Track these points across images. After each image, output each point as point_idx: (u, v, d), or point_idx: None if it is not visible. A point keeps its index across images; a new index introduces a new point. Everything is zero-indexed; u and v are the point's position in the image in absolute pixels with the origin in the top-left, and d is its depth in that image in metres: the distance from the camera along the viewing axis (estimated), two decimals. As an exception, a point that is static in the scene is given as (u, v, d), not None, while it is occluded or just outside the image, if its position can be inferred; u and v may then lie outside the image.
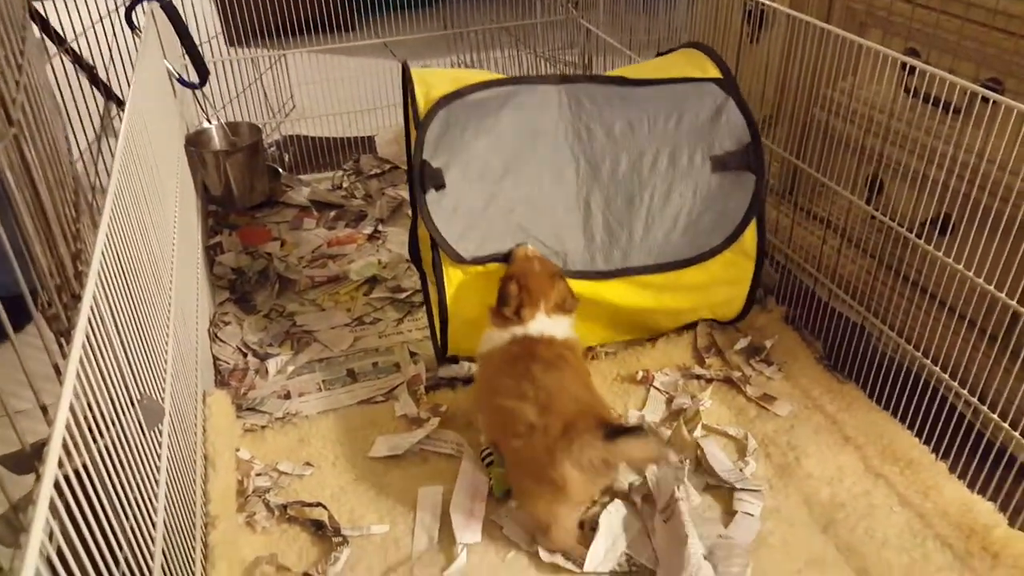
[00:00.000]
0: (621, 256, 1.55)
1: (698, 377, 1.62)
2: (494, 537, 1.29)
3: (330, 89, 2.54)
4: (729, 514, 1.32)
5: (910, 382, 1.45)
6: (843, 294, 1.66)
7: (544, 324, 1.36)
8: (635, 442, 1.18)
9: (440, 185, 1.47)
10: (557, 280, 1.42)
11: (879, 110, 1.59)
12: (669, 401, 1.56)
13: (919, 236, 1.45)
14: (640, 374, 1.62)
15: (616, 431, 1.18)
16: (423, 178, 1.47)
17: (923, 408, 1.41)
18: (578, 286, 1.52)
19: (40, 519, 0.53)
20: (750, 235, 1.58)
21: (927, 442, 1.41)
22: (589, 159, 1.55)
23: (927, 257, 1.45)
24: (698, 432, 1.48)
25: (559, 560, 1.24)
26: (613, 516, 1.30)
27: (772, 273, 1.85)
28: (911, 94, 1.54)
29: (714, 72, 1.62)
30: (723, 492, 1.36)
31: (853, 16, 1.74)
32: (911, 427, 1.45)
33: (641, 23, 2.53)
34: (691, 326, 1.75)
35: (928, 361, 1.43)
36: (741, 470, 1.40)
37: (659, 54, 1.79)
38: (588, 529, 1.28)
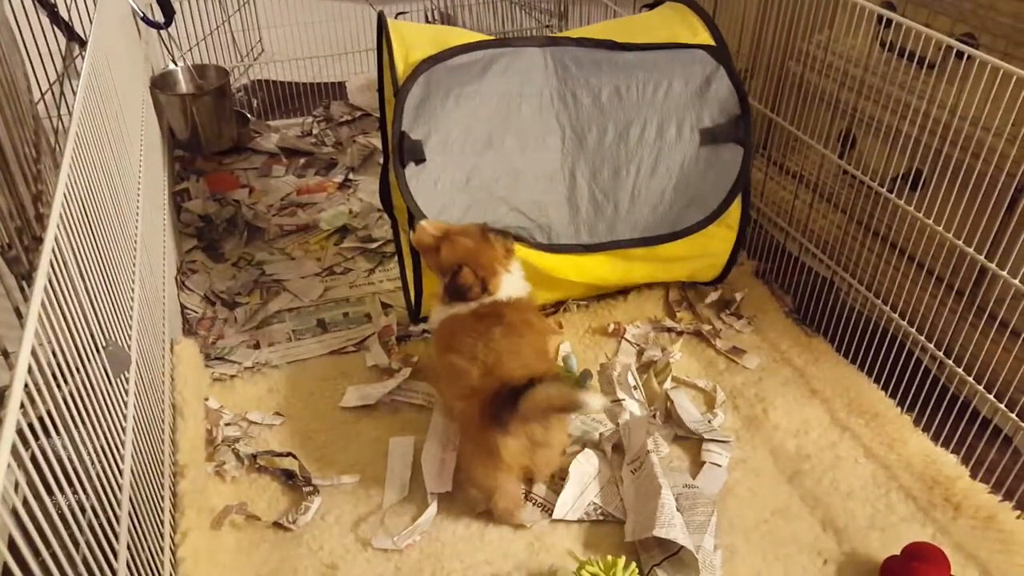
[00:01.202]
0: (607, 229, 1.53)
1: (669, 330, 1.63)
2: (464, 487, 1.30)
3: (300, 32, 2.47)
4: (697, 465, 1.34)
5: (877, 336, 1.47)
6: (814, 248, 1.68)
7: (507, 284, 1.32)
8: (538, 394, 1.13)
9: (420, 159, 1.42)
10: (489, 238, 1.33)
11: (854, 64, 1.59)
12: (640, 353, 1.57)
13: (890, 191, 1.45)
14: (612, 326, 1.63)
15: (517, 390, 1.13)
16: (402, 152, 1.41)
17: (890, 362, 1.43)
18: (562, 260, 1.51)
19: (2, 465, 0.51)
20: (735, 208, 1.57)
21: (893, 395, 1.44)
22: (575, 127, 1.51)
23: (897, 212, 1.46)
24: (668, 384, 1.49)
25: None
26: (584, 465, 1.31)
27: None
28: (886, 48, 1.54)
29: (705, 35, 1.58)
30: (691, 443, 1.38)
31: (832, -32, 1.73)
32: (877, 381, 1.47)
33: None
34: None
35: (896, 316, 1.45)
36: (710, 422, 1.41)
37: (644, 7, 1.76)
38: (559, 479, 1.30)
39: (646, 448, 1.29)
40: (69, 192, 0.74)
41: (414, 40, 1.50)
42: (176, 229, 1.87)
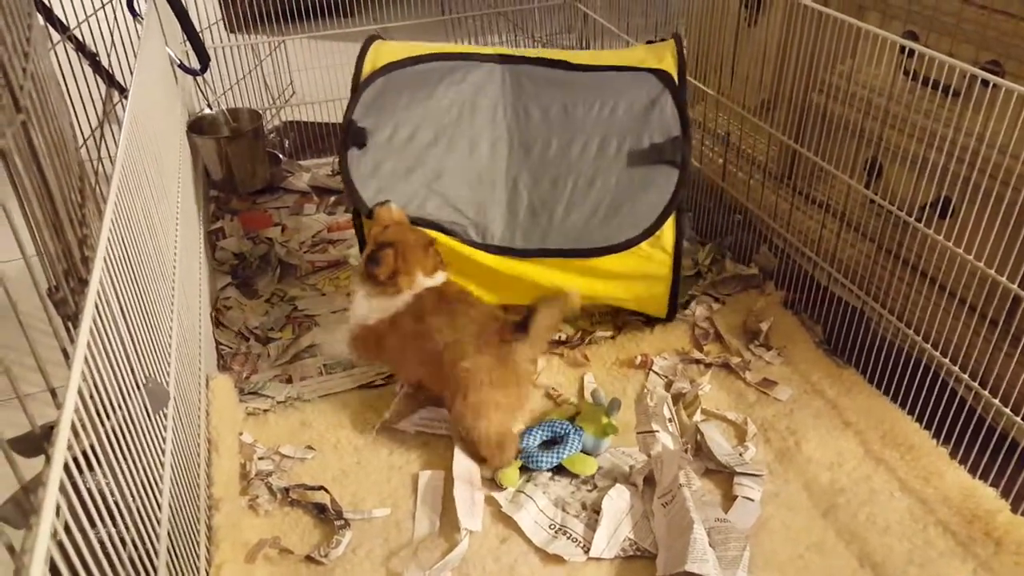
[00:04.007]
0: (540, 236, 1.57)
1: (697, 362, 1.63)
2: (494, 520, 1.30)
3: (329, 75, 2.53)
4: (729, 499, 1.33)
5: (910, 367, 1.45)
6: (842, 278, 1.67)
7: (423, 282, 1.44)
8: (542, 316, 1.37)
9: (361, 144, 1.56)
10: (429, 250, 1.46)
11: (878, 93, 1.59)
12: (668, 385, 1.57)
13: (919, 220, 1.45)
14: (639, 358, 1.63)
15: (522, 323, 1.36)
16: (346, 135, 1.56)
17: (924, 393, 1.41)
18: (498, 263, 1.57)
19: (51, 500, 0.53)
20: (669, 230, 1.56)
21: (928, 427, 1.42)
22: (522, 139, 1.60)
23: (927, 241, 1.46)
24: (697, 416, 1.49)
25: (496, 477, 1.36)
26: (616, 501, 1.31)
27: (771, 257, 1.86)
28: (910, 77, 1.54)
29: (668, 62, 1.61)
30: (723, 477, 1.37)
31: (853, -1, 1.74)
32: (912, 412, 1.46)
33: (638, 6, 2.53)
34: (688, 310, 1.75)
35: (928, 346, 1.44)
36: (741, 455, 1.40)
37: (648, 42, 1.80)
38: (592, 511, 1.29)
39: (678, 481, 1.29)
40: (112, 236, 0.77)
41: (390, 53, 1.65)
42: (211, 267, 1.91)
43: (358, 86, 1.61)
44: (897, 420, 1.45)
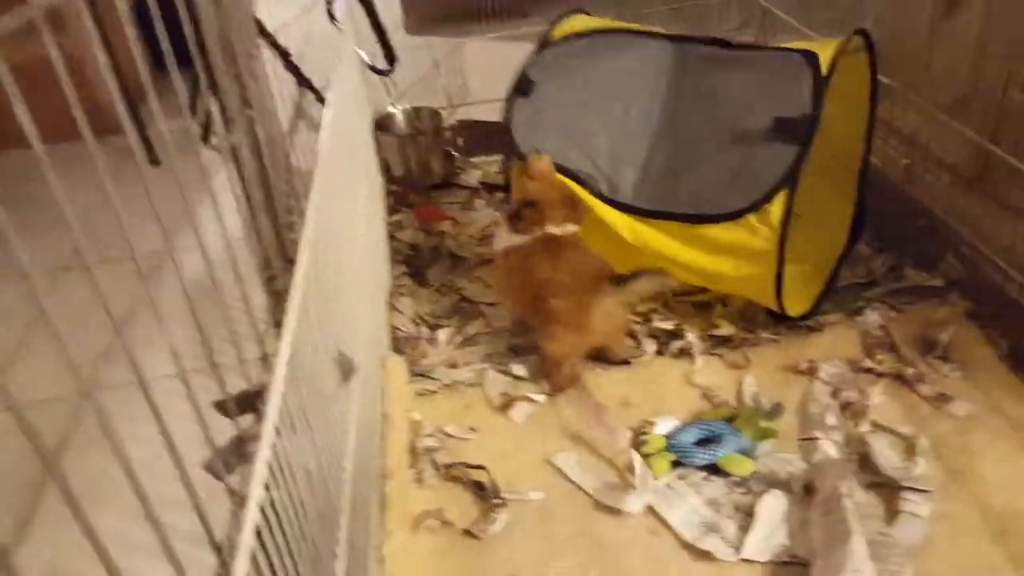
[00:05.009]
0: (664, 200, 1.62)
1: (867, 371, 1.57)
2: (645, 512, 1.32)
3: (502, 75, 2.62)
4: (892, 514, 1.28)
5: (1108, 390, 1.34)
6: (1036, 292, 1.56)
7: (552, 230, 1.58)
8: (641, 280, 1.58)
9: (526, 93, 1.73)
10: (568, 203, 1.60)
11: (1088, 94, 1.47)
12: (834, 394, 1.53)
13: None
14: (804, 364, 1.59)
15: (620, 279, 1.58)
16: (518, 83, 1.73)
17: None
18: (620, 219, 1.65)
19: (266, 449, 0.62)
20: (778, 206, 1.51)
21: (1125, 455, 1.31)
22: (672, 109, 1.68)
23: None
24: (865, 427, 1.44)
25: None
26: (771, 506, 1.29)
27: (957, 266, 1.76)
28: None
29: (828, 52, 1.57)
30: (887, 491, 1.32)
31: (1064, -9, 1.61)
32: (1106, 438, 1.34)
33: (821, -1, 2.44)
34: (861, 317, 1.69)
35: None
36: (909, 469, 1.35)
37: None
38: (745, 514, 1.29)
39: (839, 491, 1.26)
40: (315, 222, 0.87)
41: (582, 24, 1.80)
42: (389, 256, 2.05)
43: (543, 46, 1.76)
44: (1089, 446, 1.34)
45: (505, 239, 1.65)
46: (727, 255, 1.60)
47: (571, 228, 1.60)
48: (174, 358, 0.56)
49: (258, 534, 0.62)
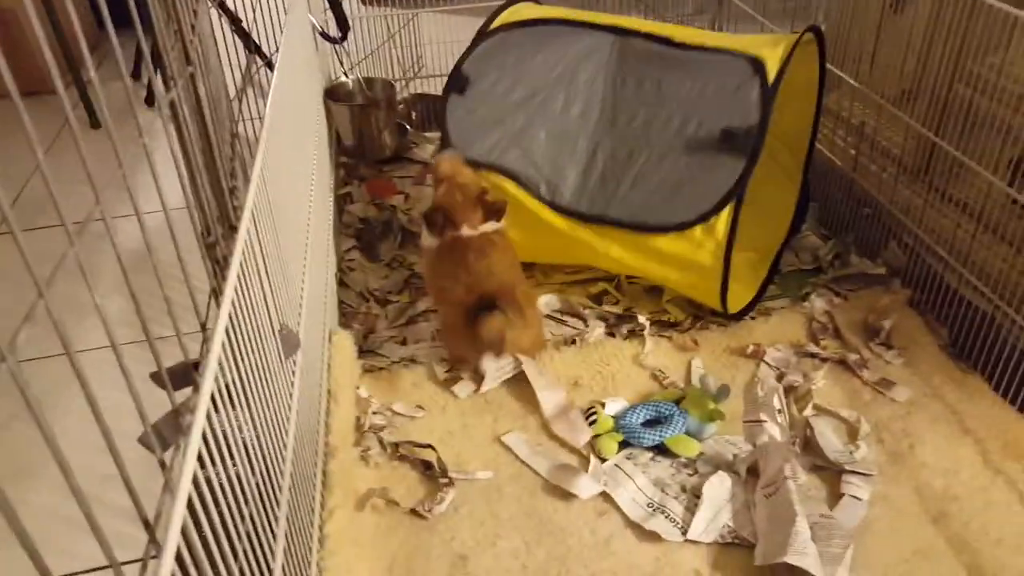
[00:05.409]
0: (604, 204, 1.60)
1: (812, 355, 1.59)
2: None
3: (458, 49, 2.58)
4: (835, 497, 1.31)
5: (1042, 377, 1.38)
6: (975, 281, 1.59)
7: (470, 231, 1.54)
8: (503, 317, 1.49)
9: (462, 90, 1.68)
10: (478, 202, 1.54)
11: (1033, 89, 1.50)
12: (779, 377, 1.54)
13: (1067, 225, 1.36)
14: (751, 348, 1.61)
15: (494, 305, 1.48)
16: (451, 80, 1.68)
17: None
18: (561, 223, 1.63)
19: (199, 423, 0.59)
20: (724, 220, 1.51)
21: (1056, 441, 1.35)
22: (612, 108, 1.64)
23: (1074, 247, 1.37)
24: (809, 411, 1.46)
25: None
26: (717, 487, 1.31)
27: (900, 254, 1.79)
28: (1071, 73, 1.45)
29: (776, 52, 1.55)
30: (830, 474, 1.35)
31: (1011, -13, 1.64)
32: (1039, 424, 1.38)
33: (777, -11, 2.44)
34: (807, 303, 1.71)
35: (1065, 357, 1.36)
36: (851, 453, 1.37)
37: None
38: (692, 495, 1.30)
39: (783, 473, 1.27)
40: (259, 188, 0.83)
41: (525, 13, 1.74)
42: (338, 229, 2.00)
43: (481, 36, 1.71)
44: (1021, 431, 1.38)
45: (427, 238, 1.62)
46: (672, 265, 1.60)
47: (490, 227, 1.56)
48: (104, 326, 0.53)
49: (191, 510, 0.59)
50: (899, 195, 1.82)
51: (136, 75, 2.89)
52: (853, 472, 1.33)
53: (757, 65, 1.55)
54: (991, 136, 1.59)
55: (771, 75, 1.53)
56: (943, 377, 1.52)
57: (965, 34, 1.55)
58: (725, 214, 1.51)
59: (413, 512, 1.30)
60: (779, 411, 1.45)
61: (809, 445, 1.39)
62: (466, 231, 1.54)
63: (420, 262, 1.74)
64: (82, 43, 0.56)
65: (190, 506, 0.61)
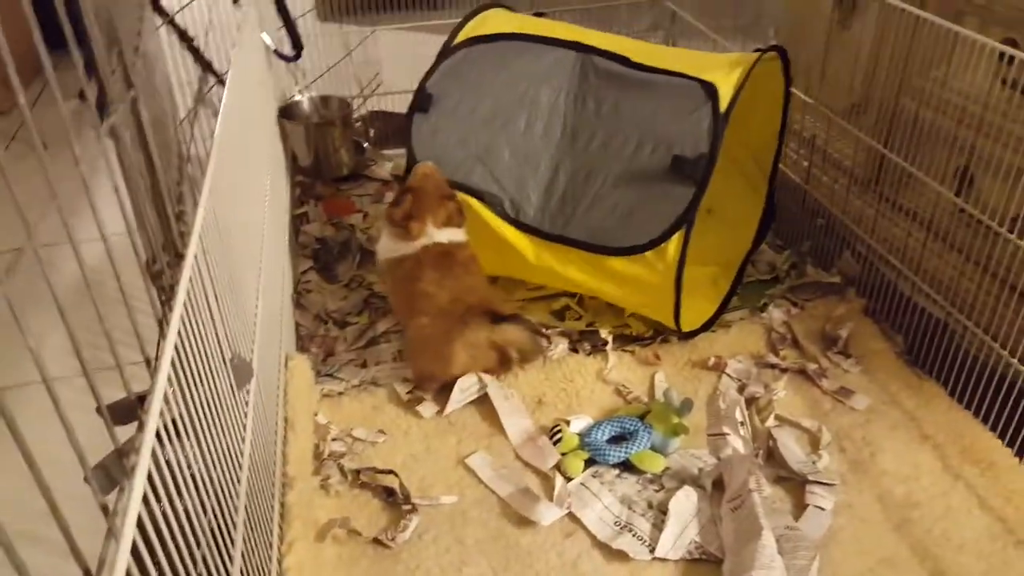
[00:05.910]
0: (563, 224, 1.62)
1: (772, 366, 1.60)
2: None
3: (417, 64, 2.56)
4: (799, 507, 1.31)
5: (994, 381, 1.40)
6: (927, 288, 1.62)
7: (433, 235, 1.56)
8: (518, 330, 1.54)
9: (426, 109, 1.67)
10: (444, 200, 1.57)
11: (973, 101, 1.53)
12: (741, 389, 1.55)
13: (1011, 231, 1.39)
14: (712, 360, 1.61)
15: (499, 318, 1.52)
16: (416, 100, 1.68)
17: (1008, 409, 1.36)
18: (523, 241, 1.64)
19: (144, 464, 0.56)
20: (674, 245, 1.52)
21: (1011, 444, 1.37)
22: (574, 127, 1.64)
23: (1018, 254, 1.40)
24: (771, 422, 1.47)
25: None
26: (683, 503, 1.30)
27: (853, 264, 1.81)
28: (1008, 85, 1.48)
29: (731, 76, 1.56)
30: (794, 484, 1.35)
31: (950, 3, 1.68)
32: (994, 428, 1.40)
33: (728, 6, 2.48)
34: (765, 314, 1.73)
35: (1015, 360, 1.38)
36: (814, 463, 1.38)
37: (756, 50, 1.74)
38: (658, 511, 1.29)
39: (748, 486, 1.27)
40: (207, 213, 0.81)
41: (491, 24, 1.73)
42: (294, 250, 1.97)
43: (445, 52, 1.69)
44: (978, 435, 1.40)
45: (390, 246, 1.61)
46: (628, 285, 1.61)
47: (455, 234, 1.58)
48: (38, 367, 0.50)
49: (137, 554, 0.56)
50: (851, 206, 1.85)
51: (84, 97, 2.83)
52: (816, 482, 1.33)
53: (711, 91, 1.55)
54: (937, 147, 1.63)
55: (724, 101, 1.53)
56: (900, 384, 1.53)
57: (910, 49, 1.58)
58: (676, 238, 1.53)
59: (376, 541, 1.27)
60: (741, 423, 1.45)
61: (772, 456, 1.40)
62: (433, 230, 1.54)
63: (382, 275, 1.69)
64: (10, 66, 0.53)
65: (136, 550, 0.59)
